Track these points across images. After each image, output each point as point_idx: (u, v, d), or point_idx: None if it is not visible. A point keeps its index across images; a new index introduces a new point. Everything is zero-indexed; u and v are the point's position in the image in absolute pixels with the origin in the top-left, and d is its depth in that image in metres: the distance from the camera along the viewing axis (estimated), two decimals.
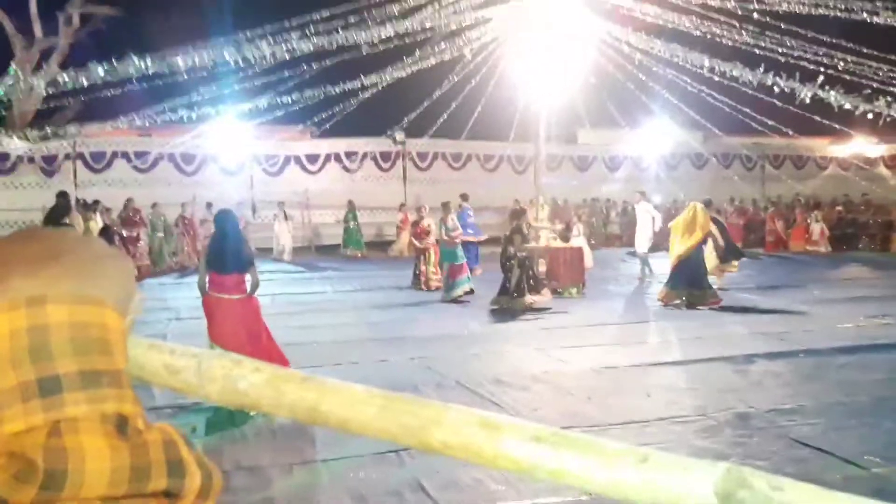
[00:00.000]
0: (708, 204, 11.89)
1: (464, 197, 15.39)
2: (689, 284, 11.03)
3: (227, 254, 6.15)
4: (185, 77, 13.34)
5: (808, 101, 13.89)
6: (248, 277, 6.30)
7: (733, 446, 5.18)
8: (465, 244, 15.11)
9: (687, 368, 7.41)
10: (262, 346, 6.12)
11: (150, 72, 12.35)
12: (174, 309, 11.06)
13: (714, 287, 11.43)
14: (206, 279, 6.25)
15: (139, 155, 19.67)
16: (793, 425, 5.56)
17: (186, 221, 17.25)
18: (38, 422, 0.53)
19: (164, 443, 0.58)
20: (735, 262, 12.67)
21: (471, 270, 14.52)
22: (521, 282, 10.82)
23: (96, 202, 13.15)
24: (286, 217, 18.30)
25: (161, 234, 16.57)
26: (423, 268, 13.25)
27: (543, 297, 11.02)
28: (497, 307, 10.87)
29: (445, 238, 12.39)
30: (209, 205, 17.10)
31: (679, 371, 7.31)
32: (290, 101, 15.58)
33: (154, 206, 16.93)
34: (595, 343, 8.61)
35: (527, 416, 5.77)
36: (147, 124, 13.51)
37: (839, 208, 21.68)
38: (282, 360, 6.06)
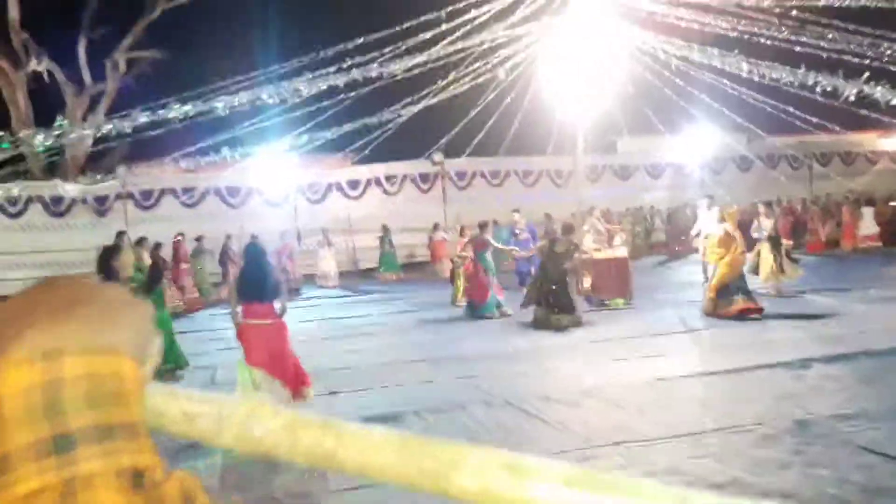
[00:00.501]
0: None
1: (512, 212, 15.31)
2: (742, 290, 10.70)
3: (257, 283, 6.56)
4: (228, 113, 13.77)
5: (852, 97, 13.56)
6: (276, 304, 6.73)
7: (795, 454, 5.02)
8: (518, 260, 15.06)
9: (741, 376, 7.22)
10: (289, 365, 6.63)
11: (193, 112, 12.78)
12: (225, 339, 11.26)
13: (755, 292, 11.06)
14: (238, 309, 6.65)
15: (186, 191, 20.19)
16: (856, 431, 5.37)
17: (232, 253, 17.58)
18: (52, 480, 0.51)
19: (182, 494, 0.56)
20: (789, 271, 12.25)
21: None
22: (565, 298, 10.70)
23: (143, 239, 13.48)
24: (329, 243, 18.51)
25: (206, 267, 16.91)
26: (457, 283, 13.34)
27: (575, 318, 10.77)
28: (536, 320, 10.77)
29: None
30: (253, 236, 17.40)
31: (733, 379, 7.13)
32: (329, 131, 15.89)
33: (199, 238, 17.37)
34: (645, 354, 8.46)
35: (577, 433, 5.72)
36: (192, 165, 13.88)
37: (894, 203, 20.95)
38: (305, 380, 6.74)
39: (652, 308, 11.99)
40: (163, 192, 20.19)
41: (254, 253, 6.90)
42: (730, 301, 10.50)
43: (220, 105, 11.88)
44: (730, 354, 8.29)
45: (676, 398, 6.63)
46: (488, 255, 12.21)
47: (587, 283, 13.40)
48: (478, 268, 12.14)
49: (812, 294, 12.21)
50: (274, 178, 20.01)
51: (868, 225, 19.69)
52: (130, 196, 19.90)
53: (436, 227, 19.77)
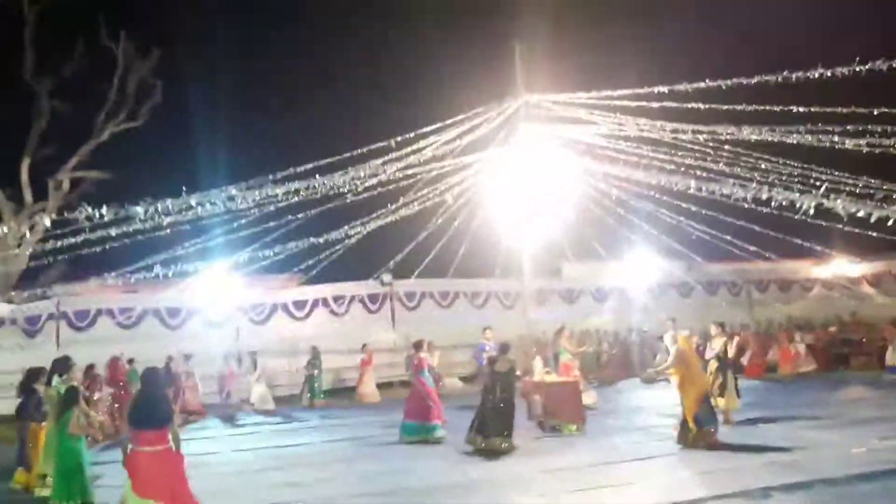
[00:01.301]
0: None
1: (483, 330, 15.12)
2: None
3: (149, 409, 6.51)
4: (170, 232, 13.53)
5: (787, 222, 14.21)
6: (169, 433, 6.59)
7: None
8: None
9: None
10: (186, 494, 6.47)
11: (134, 229, 12.51)
12: None
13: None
14: (128, 436, 6.57)
15: (123, 311, 19.45)
16: None
17: (174, 375, 16.78)
18: None
19: None
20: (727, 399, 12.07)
21: None
22: (505, 422, 10.41)
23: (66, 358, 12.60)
24: (255, 366, 17.83)
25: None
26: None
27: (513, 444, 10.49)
28: (473, 447, 10.41)
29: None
30: (187, 357, 16.78)
31: None
32: (276, 251, 15.71)
33: (130, 361, 16.66)
34: (603, 485, 8.12)
35: None
36: (133, 280, 13.40)
37: (832, 328, 21.58)
38: None
39: (605, 434, 11.69)
40: (99, 312, 19.40)
41: (151, 379, 6.79)
42: (706, 432, 10.08)
43: (166, 222, 11.67)
44: (689, 484, 8.02)
45: None
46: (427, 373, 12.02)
47: (538, 408, 13.11)
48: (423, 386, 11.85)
49: (762, 422, 12.13)
50: (216, 298, 19.50)
51: (800, 352, 20.08)
52: (64, 316, 19.06)
53: (363, 347, 19.30)
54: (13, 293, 20.05)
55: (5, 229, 20.43)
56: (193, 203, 10.99)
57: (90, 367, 14.15)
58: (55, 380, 9.54)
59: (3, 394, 16.99)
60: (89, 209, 10.54)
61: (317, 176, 10.76)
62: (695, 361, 10.65)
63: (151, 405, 6.56)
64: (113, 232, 11.22)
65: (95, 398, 12.48)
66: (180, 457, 6.57)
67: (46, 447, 8.93)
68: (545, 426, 12.28)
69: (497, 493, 8.11)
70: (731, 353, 12.35)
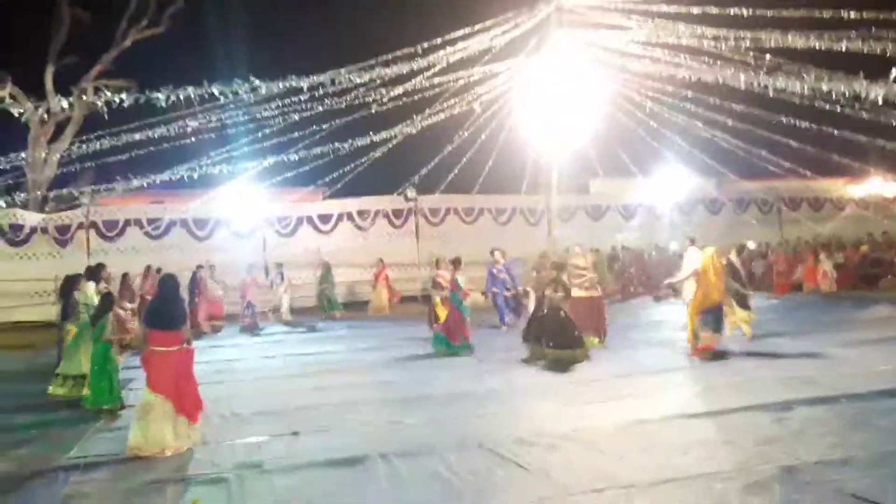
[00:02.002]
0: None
1: (491, 252, 14.98)
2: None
3: (166, 312, 6.93)
4: (196, 141, 13.44)
5: (824, 142, 13.70)
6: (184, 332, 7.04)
7: None
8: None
9: (722, 419, 6.95)
10: (190, 390, 6.84)
11: (161, 138, 12.43)
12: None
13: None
14: (145, 336, 6.95)
15: (151, 221, 19.68)
16: (846, 479, 5.11)
17: (202, 285, 17.07)
18: None
19: None
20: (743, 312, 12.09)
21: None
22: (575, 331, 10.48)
23: (101, 266, 12.74)
24: (283, 278, 18.06)
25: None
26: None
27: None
28: (531, 358, 10.51)
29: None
30: (212, 267, 17.01)
31: (714, 422, 6.86)
32: (301, 163, 15.57)
33: (158, 270, 16.94)
34: (623, 395, 8.18)
35: (555, 480, 5.38)
36: (160, 185, 13.29)
37: (864, 248, 21.17)
38: (200, 406, 6.94)
39: (626, 348, 11.75)
40: (128, 223, 19.66)
41: (169, 286, 7.21)
42: (700, 337, 10.41)
43: (190, 130, 11.56)
44: (707, 396, 8.04)
45: (656, 442, 6.33)
46: (459, 295, 12.00)
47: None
48: (452, 305, 11.89)
49: (788, 336, 12.07)
50: (242, 209, 19.61)
51: (827, 270, 19.74)
52: (94, 225, 19.34)
53: (378, 262, 19.52)
54: (42, 202, 20.34)
55: (32, 136, 20.50)
56: (218, 104, 10.80)
57: (125, 276, 14.44)
58: (90, 286, 9.75)
59: (39, 300, 17.60)
60: (113, 113, 10.43)
61: (341, 79, 10.46)
62: (711, 275, 10.57)
63: (167, 308, 6.95)
64: (138, 136, 11.14)
65: (130, 306, 12.75)
66: (189, 355, 6.96)
67: (70, 348, 9.19)
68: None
69: (518, 401, 8.21)
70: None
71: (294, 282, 18.57)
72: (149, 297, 15.32)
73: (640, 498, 5.01)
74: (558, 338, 10.41)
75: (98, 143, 12.99)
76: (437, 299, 12.39)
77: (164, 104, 9.36)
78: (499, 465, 5.83)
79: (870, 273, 20.49)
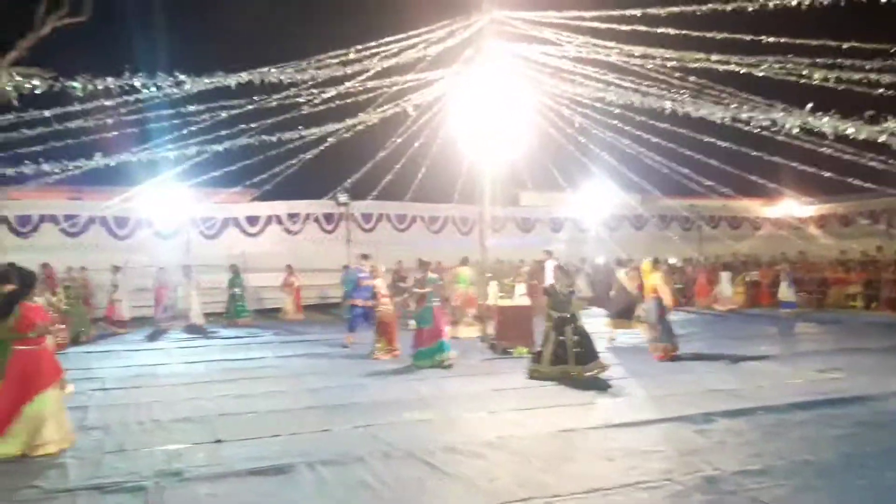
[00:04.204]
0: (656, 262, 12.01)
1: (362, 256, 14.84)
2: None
3: None
4: (118, 135, 12.86)
5: (743, 163, 14.28)
6: None
7: None
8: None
9: (645, 429, 7.11)
10: None
11: (79, 129, 11.84)
12: (99, 379, 10.30)
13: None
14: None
15: (68, 218, 18.79)
16: (763, 488, 5.29)
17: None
18: None
19: None
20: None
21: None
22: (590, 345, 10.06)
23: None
24: (190, 280, 17.62)
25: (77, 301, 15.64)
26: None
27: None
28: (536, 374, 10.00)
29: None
30: (116, 268, 16.69)
31: (638, 432, 6.99)
32: (229, 161, 15.10)
33: (69, 270, 16.37)
34: (549, 404, 8.26)
35: (482, 488, 5.36)
36: (70, 170, 12.51)
37: (777, 267, 22.17)
38: None
39: None
40: (42, 219, 18.72)
41: None
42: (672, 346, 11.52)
43: (111, 122, 11.06)
44: (632, 407, 8.20)
45: (582, 451, 6.42)
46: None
47: (490, 329, 13.28)
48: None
49: (706, 349, 12.52)
50: (165, 209, 18.94)
51: (725, 288, 20.73)
52: (4, 220, 18.32)
53: (286, 267, 19.42)
54: None
55: None
56: (140, 96, 10.34)
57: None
58: None
59: None
60: (29, 102, 9.85)
61: (270, 78, 10.22)
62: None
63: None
64: (56, 126, 10.57)
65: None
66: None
67: None
68: (497, 348, 12.45)
69: (447, 408, 8.17)
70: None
71: (209, 285, 18.15)
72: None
73: None
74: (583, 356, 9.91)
75: (9, 133, 12.28)
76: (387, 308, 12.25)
77: (80, 93, 8.88)
78: (426, 473, 5.77)
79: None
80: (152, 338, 15.56)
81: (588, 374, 9.73)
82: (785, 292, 18.55)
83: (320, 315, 19.69)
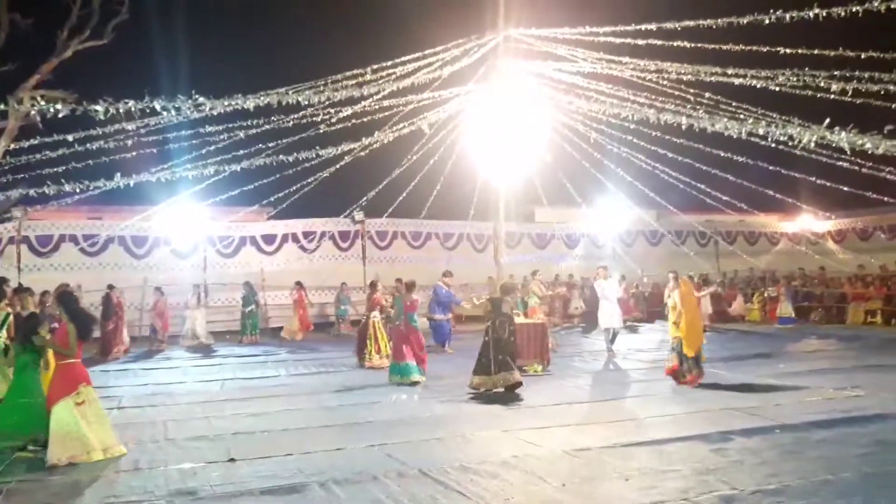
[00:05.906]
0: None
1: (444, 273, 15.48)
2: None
3: None
4: (137, 156, 13.04)
5: (760, 178, 14.18)
6: None
7: None
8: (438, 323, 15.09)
9: (662, 448, 7.03)
10: None
11: (100, 150, 12.03)
12: (117, 397, 10.37)
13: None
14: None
15: (87, 237, 19.01)
16: None
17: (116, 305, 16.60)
18: None
19: None
20: None
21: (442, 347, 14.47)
22: (496, 357, 10.30)
23: (25, 289, 12.06)
24: (199, 301, 17.78)
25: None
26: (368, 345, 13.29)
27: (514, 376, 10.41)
28: (476, 389, 10.28)
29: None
30: (111, 287, 16.67)
31: (655, 451, 6.92)
32: (245, 181, 15.25)
33: (111, 287, 16.61)
34: (565, 423, 8.20)
35: None
36: (90, 189, 12.69)
37: (795, 283, 21.96)
38: None
39: (569, 376, 11.86)
40: (63, 238, 18.97)
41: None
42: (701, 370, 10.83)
43: (130, 144, 11.22)
44: (648, 425, 8.13)
45: (598, 470, 6.36)
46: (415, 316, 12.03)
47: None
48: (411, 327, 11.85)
49: (724, 366, 12.38)
50: (183, 228, 19.13)
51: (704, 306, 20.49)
52: (25, 240, 18.58)
53: (296, 283, 19.51)
54: None
55: None
56: (160, 119, 10.50)
57: (44, 294, 13.78)
58: None
59: None
60: (51, 125, 10.03)
61: (288, 100, 10.31)
62: (695, 302, 11.13)
63: None
64: (76, 148, 10.74)
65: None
66: None
67: None
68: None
69: (461, 427, 8.13)
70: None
71: (226, 303, 18.36)
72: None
73: None
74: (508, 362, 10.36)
75: (32, 155, 12.51)
76: (378, 324, 12.52)
77: (102, 116, 9.03)
78: (441, 493, 5.74)
79: (802, 307, 21.23)
80: (150, 356, 15.69)
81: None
82: (784, 308, 18.33)
83: (325, 334, 19.73)
